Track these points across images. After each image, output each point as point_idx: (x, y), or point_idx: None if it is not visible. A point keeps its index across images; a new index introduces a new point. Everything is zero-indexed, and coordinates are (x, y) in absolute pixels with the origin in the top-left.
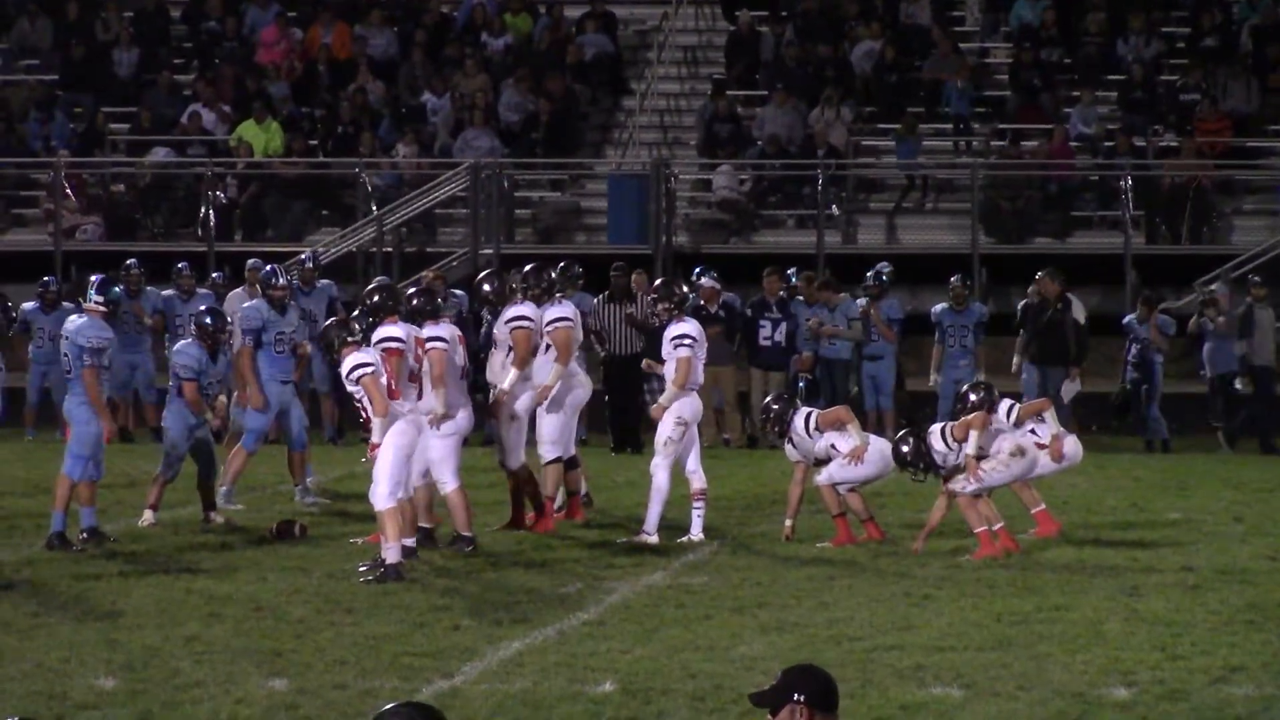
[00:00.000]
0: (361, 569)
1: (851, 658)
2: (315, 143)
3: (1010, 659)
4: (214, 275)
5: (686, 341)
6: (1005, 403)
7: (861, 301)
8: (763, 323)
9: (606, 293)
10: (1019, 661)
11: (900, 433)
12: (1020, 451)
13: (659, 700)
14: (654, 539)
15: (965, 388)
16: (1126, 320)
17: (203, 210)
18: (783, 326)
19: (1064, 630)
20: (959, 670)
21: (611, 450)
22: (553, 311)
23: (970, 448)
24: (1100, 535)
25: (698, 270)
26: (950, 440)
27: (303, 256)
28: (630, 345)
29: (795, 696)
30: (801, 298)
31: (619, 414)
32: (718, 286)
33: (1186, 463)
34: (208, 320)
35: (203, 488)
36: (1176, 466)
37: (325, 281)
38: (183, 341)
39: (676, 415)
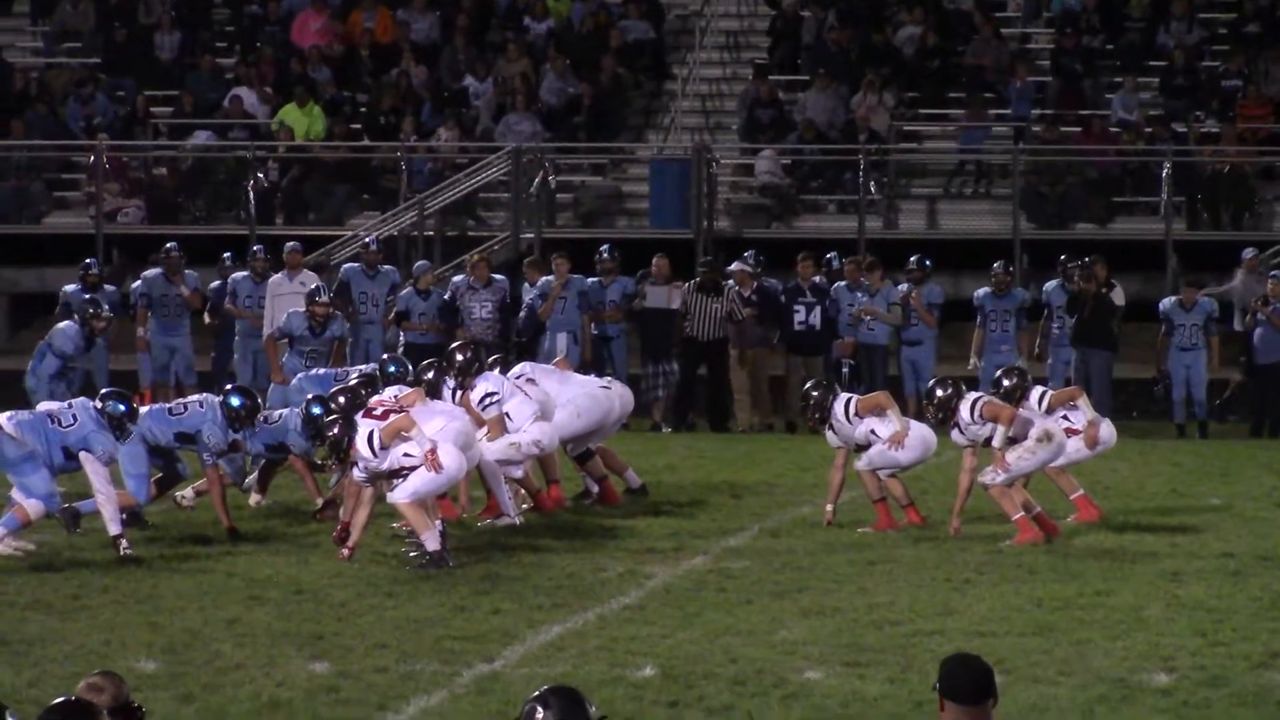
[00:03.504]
0: (411, 554)
1: (892, 642)
2: (357, 127)
3: (1051, 645)
4: (224, 255)
5: (494, 399)
6: (1037, 390)
7: (903, 286)
8: (797, 307)
9: (696, 280)
10: (1060, 647)
11: (940, 378)
12: (1047, 437)
13: (700, 684)
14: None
15: (999, 372)
16: (1163, 306)
17: (247, 194)
18: (817, 311)
19: (1105, 616)
20: (1000, 655)
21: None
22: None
23: (998, 440)
24: (1141, 521)
25: (749, 254)
26: (977, 415)
27: (366, 239)
28: (716, 330)
29: (934, 685)
30: (844, 282)
31: (707, 393)
32: (749, 270)
33: (1227, 449)
34: (234, 403)
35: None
36: (1217, 452)
37: (388, 267)
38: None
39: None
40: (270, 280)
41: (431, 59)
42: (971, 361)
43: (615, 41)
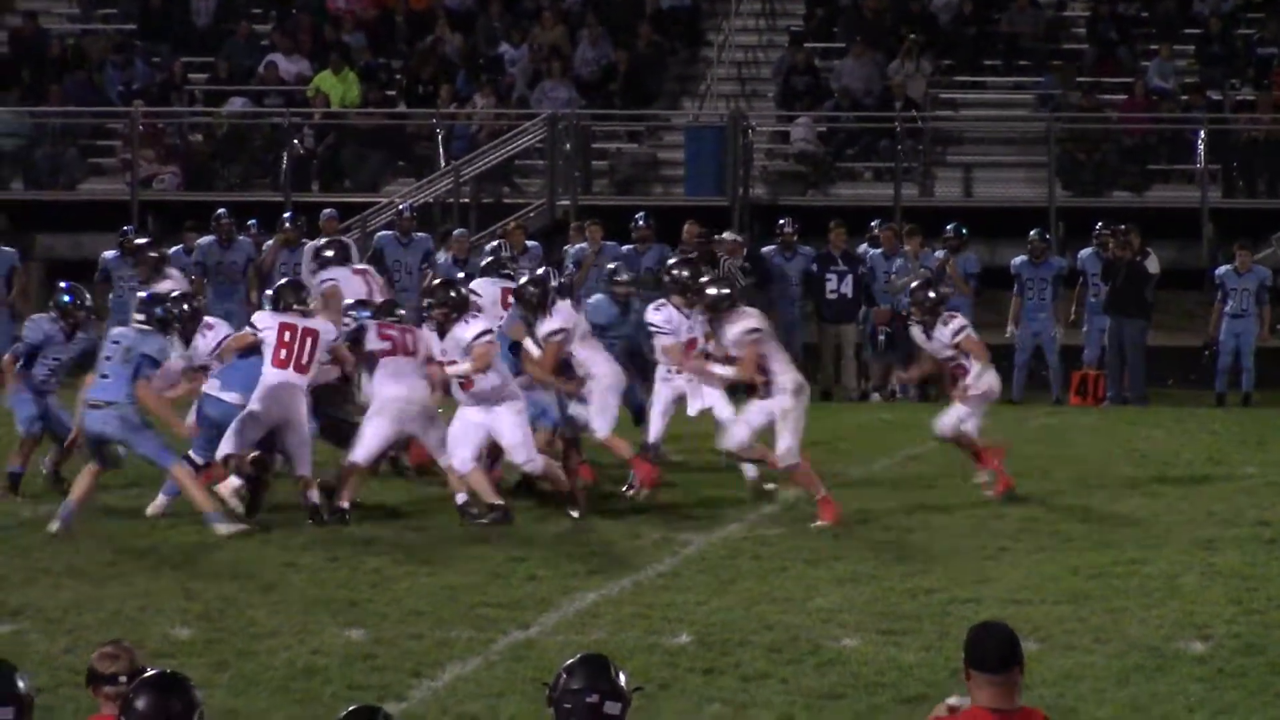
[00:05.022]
0: (472, 511)
1: (928, 610)
2: (393, 93)
3: (1086, 613)
4: (250, 223)
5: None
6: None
7: (939, 254)
8: (829, 276)
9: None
10: (1095, 615)
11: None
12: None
13: (735, 652)
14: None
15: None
16: (1219, 272)
17: (283, 161)
18: (849, 279)
19: (1140, 584)
20: (1035, 624)
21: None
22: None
23: (972, 379)
24: (1177, 489)
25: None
26: (952, 339)
27: (400, 206)
28: None
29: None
30: (880, 250)
31: None
32: (739, 239)
33: (1264, 417)
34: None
35: None
36: (1254, 421)
37: (422, 235)
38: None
39: None
40: (306, 247)
41: (467, 26)
42: (1009, 329)
43: (651, 8)
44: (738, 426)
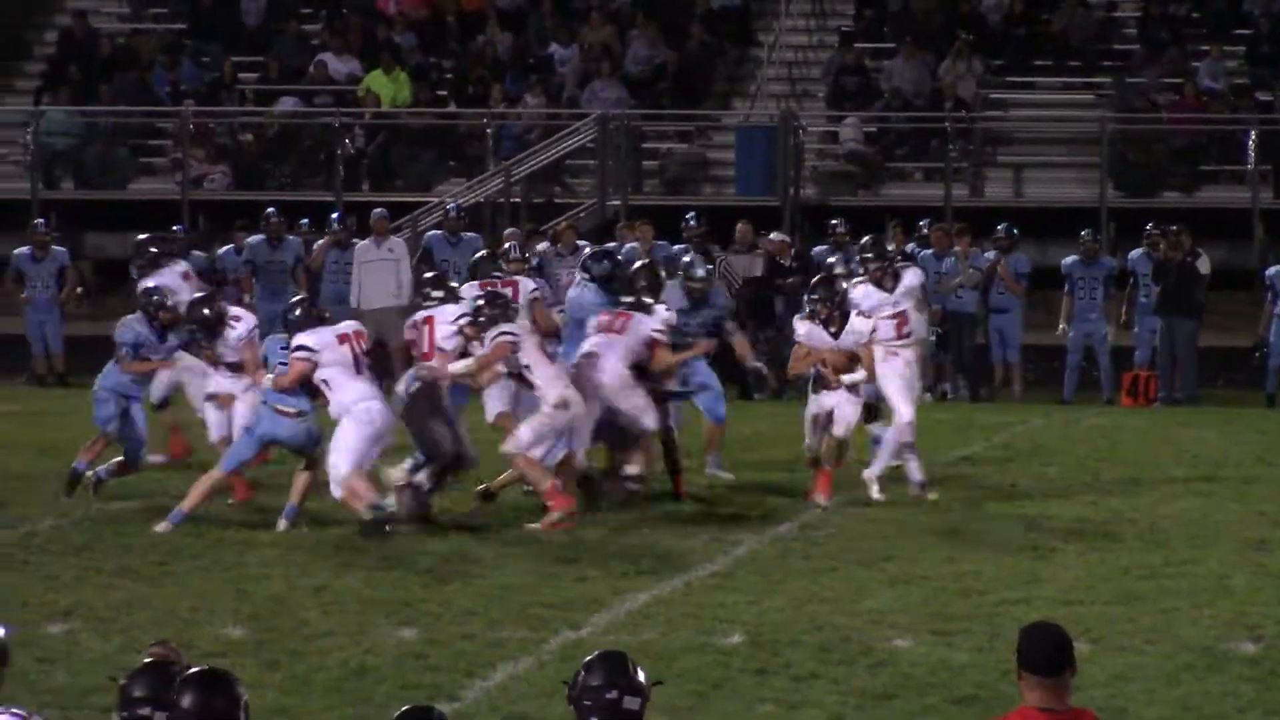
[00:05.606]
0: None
1: (979, 611)
2: (443, 93)
3: (1137, 613)
4: (301, 223)
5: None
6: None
7: (990, 254)
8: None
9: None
10: (1146, 616)
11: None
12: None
13: (786, 652)
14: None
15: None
16: (1269, 272)
17: (334, 160)
18: None
19: (1191, 584)
20: (1086, 624)
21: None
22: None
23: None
24: (1227, 489)
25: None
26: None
27: (449, 206)
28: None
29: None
30: (931, 250)
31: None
32: (786, 239)
33: None
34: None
35: None
36: None
37: (471, 234)
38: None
39: None
40: (357, 247)
41: (517, 25)
42: (1060, 328)
43: (701, 8)
44: (521, 430)
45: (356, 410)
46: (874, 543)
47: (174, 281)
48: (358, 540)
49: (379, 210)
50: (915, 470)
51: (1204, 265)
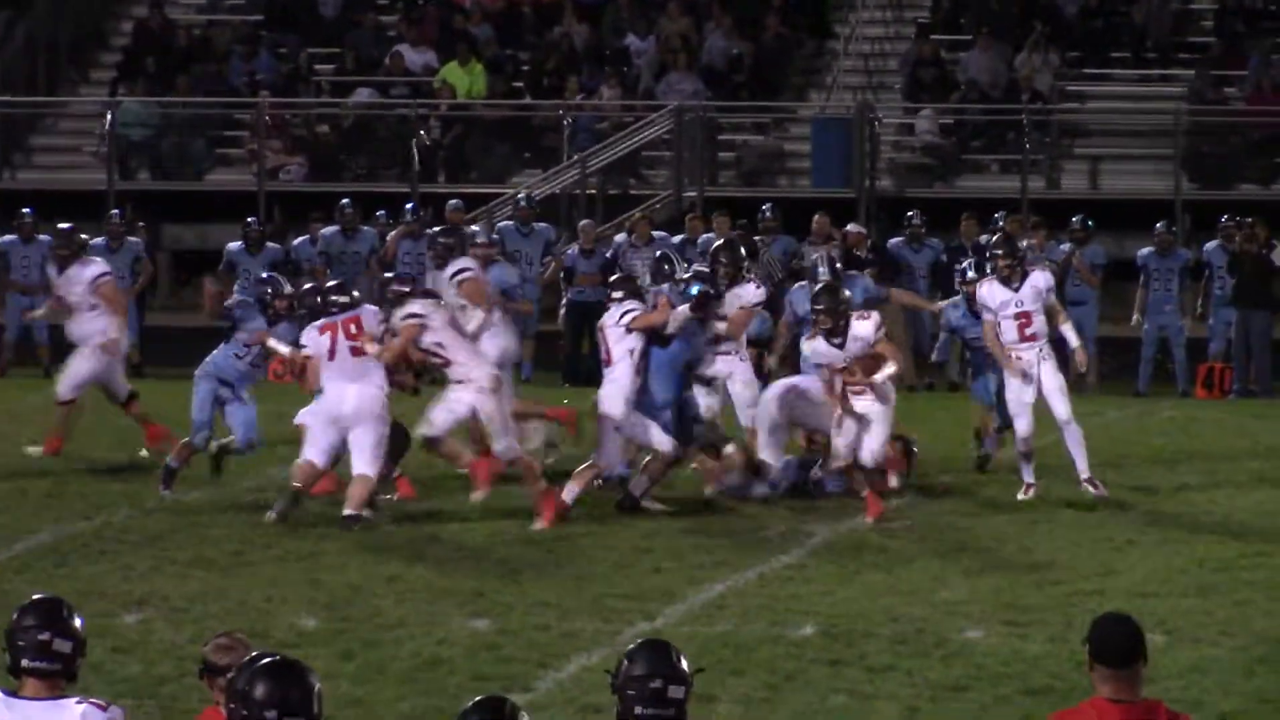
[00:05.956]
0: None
1: (1053, 602)
2: (519, 85)
3: (1212, 605)
4: (378, 214)
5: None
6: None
7: (1066, 246)
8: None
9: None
10: (1221, 608)
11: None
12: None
13: (860, 643)
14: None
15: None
16: None
17: (411, 152)
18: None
19: (1267, 576)
20: (1161, 616)
21: None
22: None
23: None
24: None
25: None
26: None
27: (519, 196)
28: None
29: (1083, 640)
30: None
31: None
32: (863, 231)
33: None
34: None
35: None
36: None
37: (543, 225)
38: None
39: None
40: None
41: (594, 17)
42: (1135, 318)
43: (777, 0)
44: (437, 412)
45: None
46: (948, 534)
47: (87, 273)
48: (430, 530)
49: (454, 202)
50: (1027, 473)
51: (1279, 257)
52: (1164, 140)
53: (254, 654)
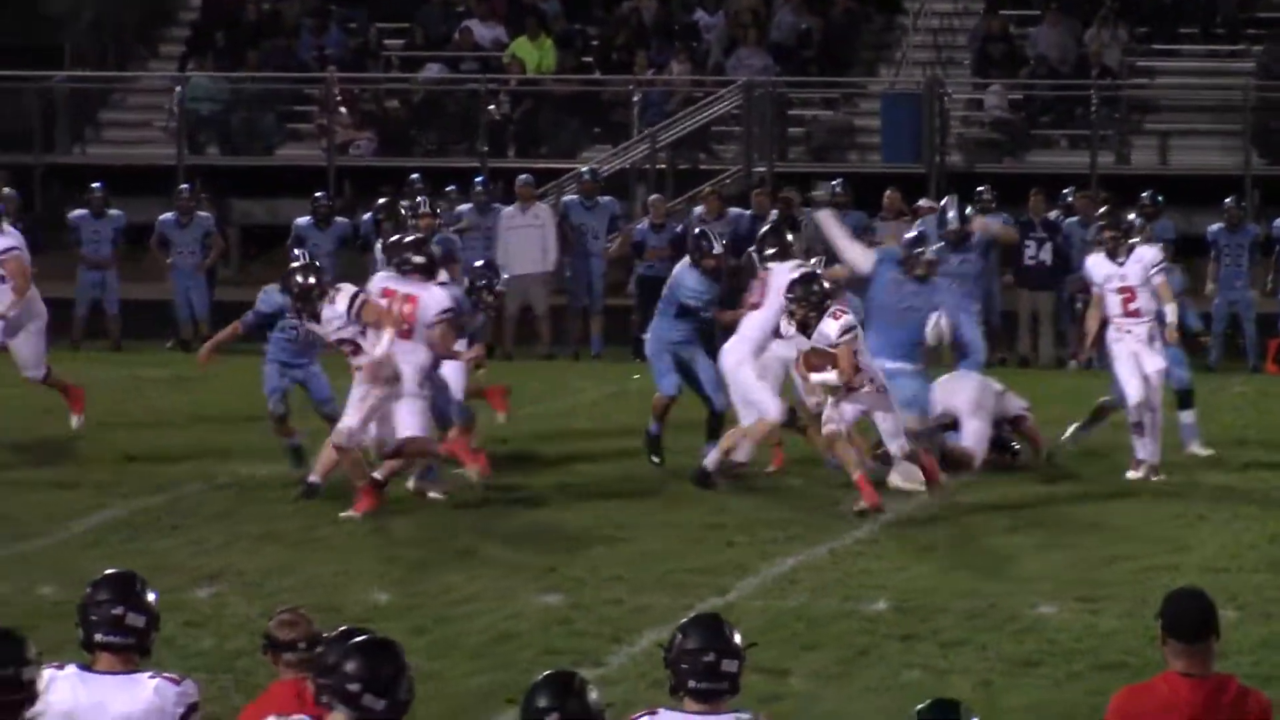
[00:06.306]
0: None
1: (1125, 578)
2: (588, 60)
3: None
4: (449, 189)
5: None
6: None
7: (1135, 221)
8: (1028, 242)
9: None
10: None
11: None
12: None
13: (933, 618)
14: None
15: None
16: None
17: (481, 126)
18: (1048, 246)
19: None
20: (1233, 592)
21: None
22: None
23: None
24: None
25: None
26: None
27: (583, 170)
28: None
29: (1155, 615)
30: (1076, 218)
31: None
32: (936, 206)
33: None
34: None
35: None
36: None
37: (608, 198)
38: None
39: None
40: (502, 212)
41: None
42: (1208, 286)
43: None
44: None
45: None
46: (1020, 509)
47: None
48: (501, 505)
49: (524, 176)
50: (1140, 448)
51: None
52: (1233, 115)
53: (346, 628)
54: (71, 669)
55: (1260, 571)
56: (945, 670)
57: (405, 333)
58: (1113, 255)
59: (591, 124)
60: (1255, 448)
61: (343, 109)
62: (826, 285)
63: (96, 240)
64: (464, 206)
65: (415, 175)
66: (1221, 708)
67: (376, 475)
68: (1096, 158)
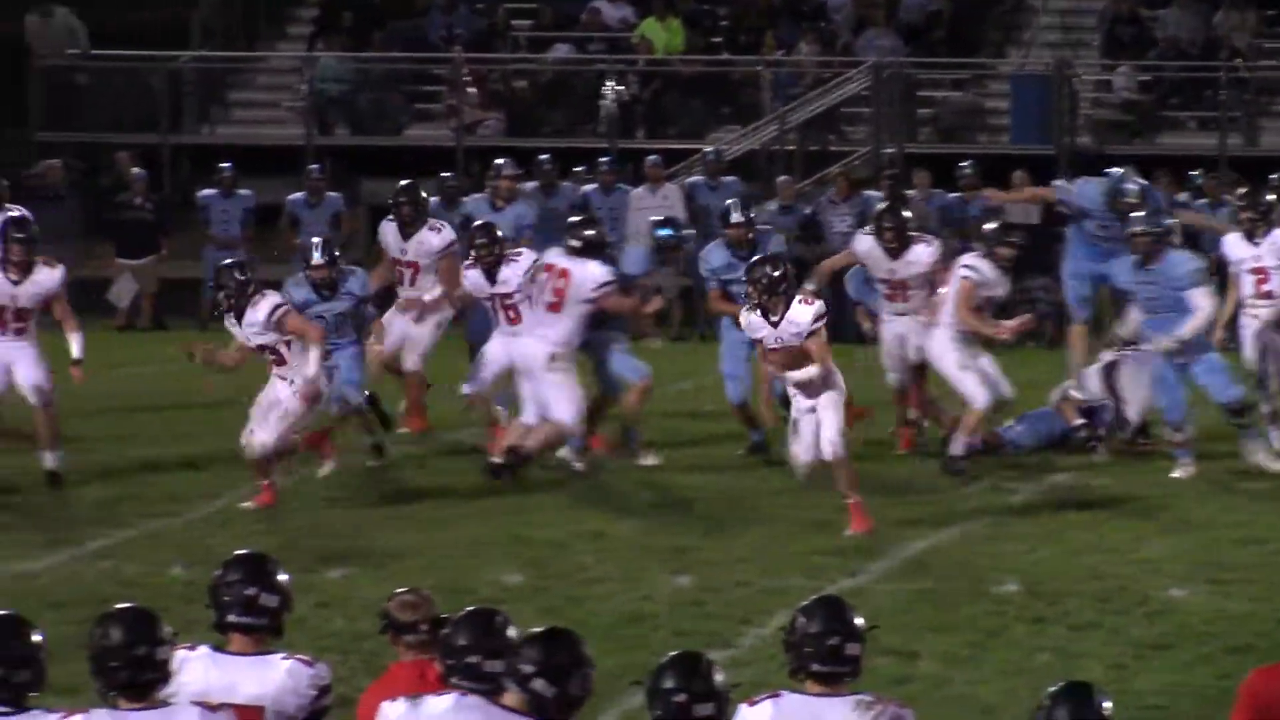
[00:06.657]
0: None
1: (1256, 560)
2: (717, 40)
3: None
4: (577, 169)
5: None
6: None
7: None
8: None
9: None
10: None
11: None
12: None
13: (1063, 601)
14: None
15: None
16: None
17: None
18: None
19: None
20: None
21: None
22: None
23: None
24: None
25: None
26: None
27: (707, 151)
28: None
29: None
30: (1204, 200)
31: None
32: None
33: None
34: None
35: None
36: None
37: (731, 179)
38: None
39: None
40: (632, 194)
41: None
42: None
43: None
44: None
45: None
46: (1150, 492)
47: None
48: (632, 486)
49: (653, 157)
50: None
51: None
52: None
53: (473, 609)
54: (204, 650)
55: None
56: (1076, 654)
57: (554, 305)
58: (1250, 236)
59: (719, 105)
60: None
61: (471, 89)
62: (778, 270)
63: (225, 220)
64: (589, 187)
65: (545, 156)
66: None
67: (528, 443)
68: (1226, 140)
